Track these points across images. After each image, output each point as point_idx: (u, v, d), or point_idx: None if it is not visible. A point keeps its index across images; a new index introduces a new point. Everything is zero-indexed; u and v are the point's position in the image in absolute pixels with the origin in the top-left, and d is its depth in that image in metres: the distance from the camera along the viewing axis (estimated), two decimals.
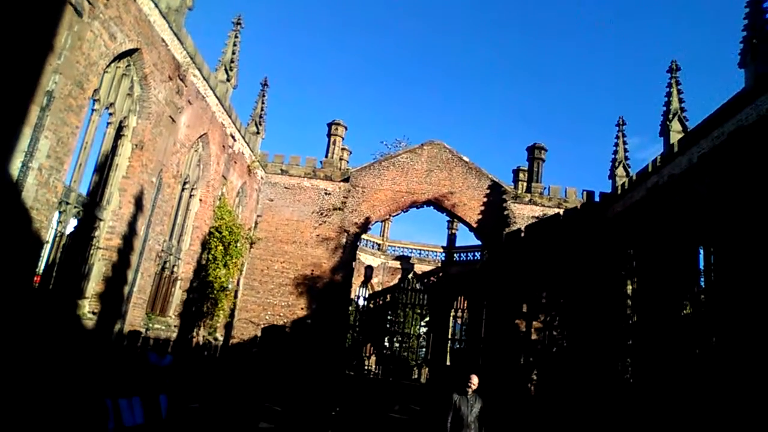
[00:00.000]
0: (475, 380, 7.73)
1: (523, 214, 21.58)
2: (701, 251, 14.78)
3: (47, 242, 10.00)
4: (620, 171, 21.34)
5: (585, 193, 21.65)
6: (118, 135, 12.37)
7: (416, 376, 30.63)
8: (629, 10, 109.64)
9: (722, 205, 12.95)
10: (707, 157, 13.97)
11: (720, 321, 12.82)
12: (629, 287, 18.35)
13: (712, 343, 13.26)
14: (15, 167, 8.44)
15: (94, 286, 11.78)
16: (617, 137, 22.03)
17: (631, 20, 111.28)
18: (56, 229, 10.49)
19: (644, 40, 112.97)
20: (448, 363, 29.91)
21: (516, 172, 25.51)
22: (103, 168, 12.09)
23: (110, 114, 12.01)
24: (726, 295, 12.65)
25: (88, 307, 11.61)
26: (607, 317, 18.80)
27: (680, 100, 17.34)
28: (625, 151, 21.78)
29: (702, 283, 14.56)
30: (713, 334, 13.22)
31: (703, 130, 14.37)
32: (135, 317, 13.40)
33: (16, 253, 8.79)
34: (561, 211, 21.38)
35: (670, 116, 17.12)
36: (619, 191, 20.01)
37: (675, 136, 16.57)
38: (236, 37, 18.30)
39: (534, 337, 20.10)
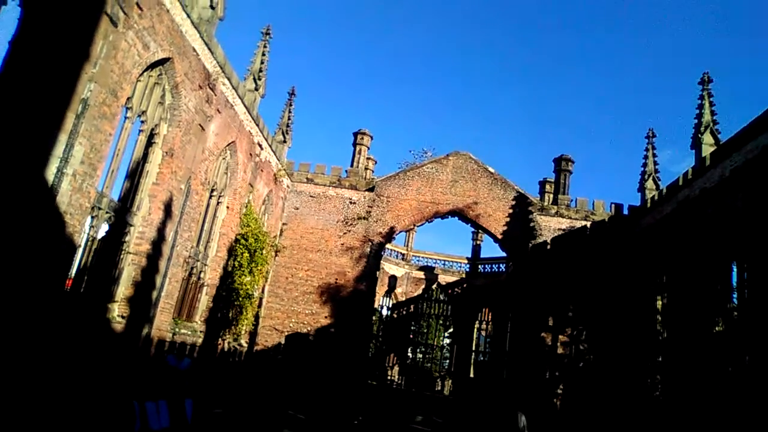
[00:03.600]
0: (522, 421, 7.70)
1: (549, 226, 21.32)
2: (734, 267, 14.37)
3: (79, 246, 10.24)
4: (650, 184, 20.97)
5: (613, 205, 21.30)
6: (149, 142, 12.64)
7: (439, 388, 30.36)
8: (661, 20, 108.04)
9: (756, 219, 12.60)
10: (740, 171, 13.62)
11: (753, 339, 12.41)
12: (659, 302, 17.93)
13: (745, 361, 12.84)
14: (51, 172, 8.69)
15: (123, 290, 12.01)
16: (647, 149, 21.69)
17: (663, 30, 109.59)
18: (88, 234, 10.74)
19: (677, 50, 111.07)
20: (471, 375, 29.58)
21: (542, 183, 25.26)
22: (134, 174, 12.36)
23: (142, 122, 12.29)
24: (760, 312, 12.25)
25: (118, 311, 11.82)
26: (636, 332, 18.39)
27: (712, 113, 17.00)
28: (655, 163, 21.42)
29: (735, 300, 14.15)
30: (746, 352, 12.81)
31: (736, 143, 14.04)
32: (162, 322, 13.60)
33: (50, 256, 9.02)
34: (588, 224, 21.06)
35: (702, 129, 16.79)
36: (649, 204, 19.63)
37: (707, 149, 16.23)
38: (265, 47, 18.61)
39: (560, 350, 19.75)
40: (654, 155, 21.55)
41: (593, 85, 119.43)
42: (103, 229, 11.36)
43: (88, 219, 10.43)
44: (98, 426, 9.72)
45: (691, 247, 15.64)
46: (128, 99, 11.14)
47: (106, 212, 11.16)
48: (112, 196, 11.42)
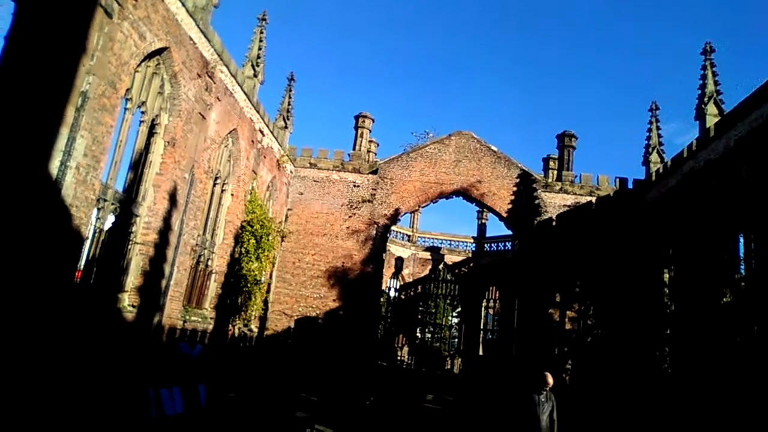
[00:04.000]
0: (550, 379, 7.75)
1: (554, 202, 21.28)
2: (741, 237, 14.32)
3: (87, 238, 10.34)
4: (654, 157, 20.83)
5: (618, 180, 21.20)
6: (151, 132, 12.67)
7: (449, 367, 30.66)
8: None
9: (761, 189, 12.52)
10: (745, 141, 13.50)
11: (761, 309, 12.42)
12: (666, 275, 17.93)
13: (753, 331, 12.87)
14: (54, 166, 8.75)
15: (132, 280, 12.15)
16: (650, 122, 21.52)
17: (663, 2, 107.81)
18: (95, 226, 10.84)
19: (678, 21, 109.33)
20: (480, 353, 29.83)
21: (546, 160, 25.16)
22: (138, 165, 12.41)
23: (142, 112, 12.31)
24: (767, 282, 12.24)
25: (128, 301, 11.98)
26: (644, 306, 18.43)
27: (716, 83, 16.79)
28: (659, 136, 21.25)
29: (742, 270, 14.13)
30: (755, 323, 12.83)
31: (740, 113, 13.88)
32: (172, 310, 13.77)
33: (59, 249, 9.13)
34: (593, 199, 21.00)
35: (706, 99, 16.60)
36: (654, 177, 19.53)
37: (711, 120, 16.06)
38: (262, 32, 18.49)
39: (568, 326, 19.86)
40: (658, 128, 21.37)
41: (595, 60, 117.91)
42: (110, 220, 11.46)
43: (94, 211, 10.51)
44: (115, 413, 9.93)
45: (697, 219, 15.59)
46: (127, 90, 11.15)
47: (112, 203, 11.24)
48: (117, 188, 11.49)
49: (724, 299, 14.32)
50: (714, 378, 13.74)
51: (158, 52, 11.95)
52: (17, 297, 8.24)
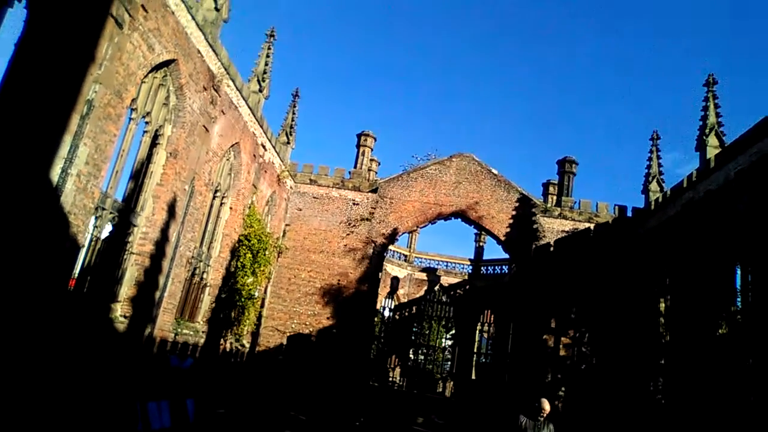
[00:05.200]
0: (547, 406, 7.56)
1: (552, 228, 21.29)
2: (738, 270, 14.32)
3: (83, 246, 10.28)
4: (654, 186, 20.91)
5: (617, 207, 21.26)
6: (154, 143, 12.68)
7: (441, 390, 30.32)
8: (666, 22, 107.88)
9: (760, 222, 12.55)
10: (745, 173, 13.58)
11: (757, 341, 12.37)
12: (662, 305, 17.88)
13: (748, 364, 12.79)
14: (55, 173, 8.73)
15: (126, 290, 12.04)
16: (651, 151, 21.63)
17: (669, 31, 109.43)
18: (92, 234, 10.79)
19: (682, 52, 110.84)
20: (473, 377, 29.55)
21: (546, 185, 25.22)
22: (139, 175, 12.40)
23: (146, 123, 12.34)
24: (763, 315, 12.21)
25: (120, 311, 11.86)
26: (639, 335, 18.34)
27: (717, 115, 16.93)
28: (659, 165, 21.35)
29: (739, 303, 14.10)
30: (750, 356, 12.76)
31: (741, 146, 13.99)
32: (165, 322, 13.63)
33: (54, 256, 9.07)
34: (592, 226, 21.03)
35: (707, 131, 16.72)
36: (653, 207, 19.59)
37: (712, 152, 16.17)
38: (269, 48, 18.64)
39: (562, 353, 19.73)
40: (658, 157, 21.48)
41: (598, 88, 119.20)
42: (107, 229, 11.40)
43: (92, 219, 10.46)
44: (101, 426, 9.76)
45: (695, 250, 15.60)
46: (133, 100, 11.18)
47: (110, 212, 11.20)
48: (116, 197, 11.46)
49: (720, 331, 14.26)
50: (707, 410, 13.61)
51: (166, 63, 12.02)
52: (9, 301, 8.14)
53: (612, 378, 18.51)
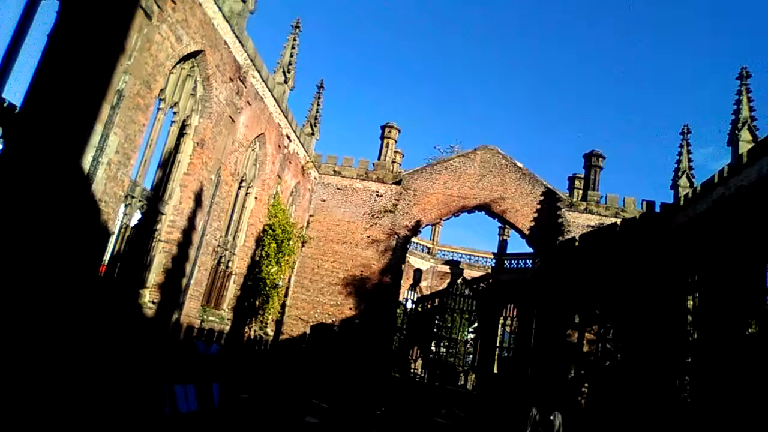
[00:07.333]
0: (557, 422, 7.57)
1: (577, 222, 21.02)
2: None
3: (113, 233, 10.55)
4: (683, 181, 20.46)
5: (644, 203, 20.86)
6: (181, 133, 12.91)
7: (462, 383, 30.32)
8: (701, 14, 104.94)
9: None
10: None
11: None
12: (690, 302, 17.54)
13: None
14: (87, 161, 8.97)
15: (154, 276, 12.34)
16: (681, 146, 21.16)
17: (703, 22, 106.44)
18: (122, 221, 11.06)
19: (716, 44, 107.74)
20: (495, 371, 29.47)
21: (571, 179, 24.84)
22: (166, 164, 12.65)
23: (174, 113, 12.56)
24: None
25: (149, 297, 12.16)
26: (666, 332, 18.03)
27: (750, 109, 16.49)
28: (690, 160, 20.88)
29: None
30: None
31: None
32: (191, 309, 13.93)
33: (86, 242, 9.34)
34: (618, 221, 20.69)
35: (740, 125, 16.29)
36: (682, 202, 19.17)
37: (744, 146, 15.75)
38: (295, 40, 18.75)
39: (586, 349, 19.52)
40: (689, 152, 21.01)
41: (629, 82, 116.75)
42: (136, 217, 11.68)
43: (122, 207, 10.73)
44: (130, 407, 10.05)
45: (725, 247, 15.24)
46: (161, 91, 11.39)
47: (139, 201, 11.46)
48: (145, 185, 11.72)
49: (750, 330, 13.94)
50: (735, 411, 13.34)
51: (193, 54, 12.20)
52: (44, 287, 8.43)
53: (636, 375, 18.25)
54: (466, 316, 31.31)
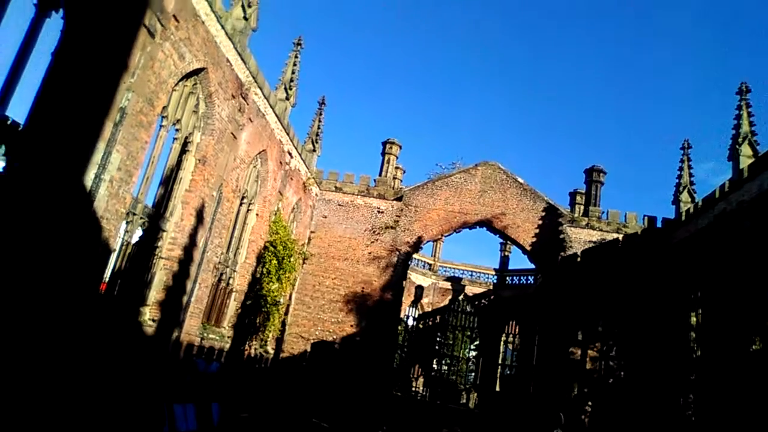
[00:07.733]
0: None
1: (579, 238, 20.98)
2: None
3: (114, 250, 10.52)
4: (685, 196, 20.45)
5: (646, 218, 20.84)
6: (183, 150, 12.93)
7: (464, 401, 30.02)
8: (698, 30, 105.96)
9: None
10: None
11: None
12: (693, 319, 17.41)
13: None
14: (89, 178, 8.97)
15: (155, 294, 12.26)
16: (682, 161, 21.18)
17: (700, 39, 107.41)
18: (123, 238, 11.03)
19: (716, 60, 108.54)
20: (497, 389, 29.19)
21: (573, 195, 24.90)
22: (168, 181, 12.65)
23: (177, 130, 12.60)
24: None
25: (149, 314, 12.08)
26: (669, 349, 17.87)
27: (751, 123, 16.56)
28: (691, 175, 20.89)
29: None
30: None
31: None
32: (191, 326, 13.83)
33: (86, 259, 9.29)
34: (620, 237, 20.65)
35: (740, 140, 16.34)
36: (683, 217, 19.15)
37: (745, 161, 15.78)
38: (296, 57, 18.90)
39: (589, 366, 19.34)
40: (689, 167, 21.02)
41: (628, 96, 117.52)
42: (137, 234, 11.65)
43: (123, 224, 10.70)
44: (129, 426, 9.92)
45: (728, 262, 15.18)
46: (164, 108, 11.44)
47: (141, 217, 11.44)
48: (147, 202, 11.71)
49: (754, 347, 13.82)
50: (739, 428, 13.17)
51: (196, 72, 12.27)
52: (43, 304, 8.37)
53: (640, 393, 18.05)
54: (468, 333, 31.11)
